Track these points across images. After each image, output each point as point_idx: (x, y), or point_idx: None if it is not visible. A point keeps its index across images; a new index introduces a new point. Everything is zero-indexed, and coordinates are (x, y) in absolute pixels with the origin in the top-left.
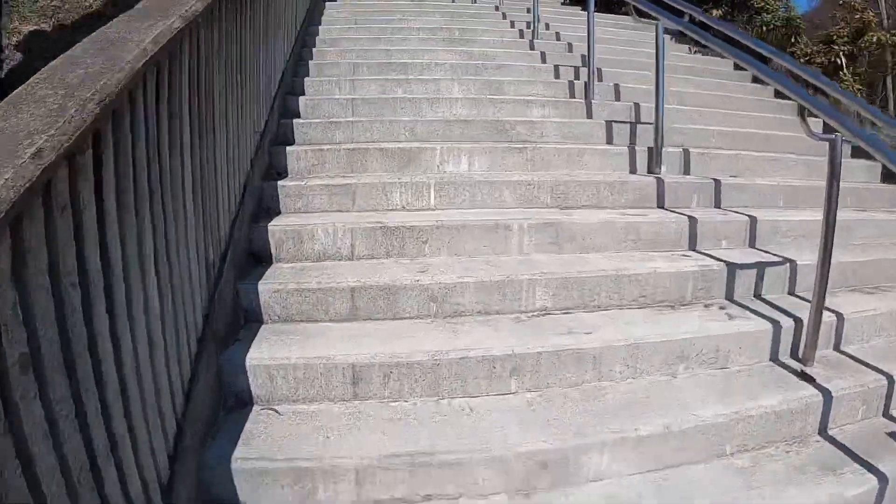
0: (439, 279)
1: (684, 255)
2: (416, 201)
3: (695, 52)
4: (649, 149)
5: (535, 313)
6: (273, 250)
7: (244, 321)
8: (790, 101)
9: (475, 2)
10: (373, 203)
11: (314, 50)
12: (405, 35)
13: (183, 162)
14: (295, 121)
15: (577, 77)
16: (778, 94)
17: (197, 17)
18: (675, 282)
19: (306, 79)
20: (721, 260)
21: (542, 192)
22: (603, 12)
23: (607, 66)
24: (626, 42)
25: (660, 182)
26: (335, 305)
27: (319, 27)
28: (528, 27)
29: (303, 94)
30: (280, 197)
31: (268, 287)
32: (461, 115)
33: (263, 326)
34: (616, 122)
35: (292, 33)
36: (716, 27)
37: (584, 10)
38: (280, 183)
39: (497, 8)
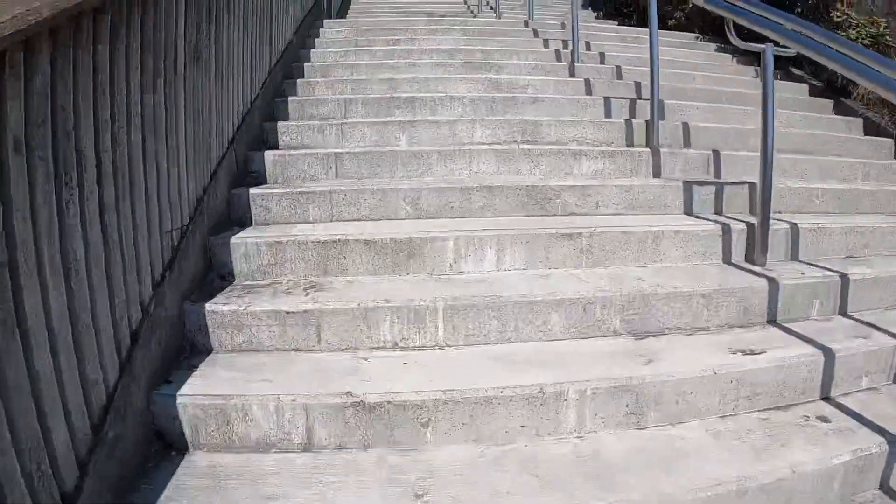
0: None
1: (821, 419)
2: (415, 335)
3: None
4: (748, 225)
5: None
6: (188, 434)
7: None
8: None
9: (500, 17)
10: (348, 339)
11: (299, 82)
12: (415, 59)
13: None
14: (252, 191)
15: (633, 113)
16: (869, 130)
17: None
18: (820, 482)
19: (281, 123)
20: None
21: (608, 314)
22: (631, 25)
23: (666, 95)
24: (683, 65)
25: (771, 284)
26: None
27: (311, 51)
28: (566, 47)
29: (275, 145)
30: (210, 329)
31: None
32: (485, 174)
33: None
34: (695, 182)
35: (266, 61)
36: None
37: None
38: (209, 307)
39: (527, 24)
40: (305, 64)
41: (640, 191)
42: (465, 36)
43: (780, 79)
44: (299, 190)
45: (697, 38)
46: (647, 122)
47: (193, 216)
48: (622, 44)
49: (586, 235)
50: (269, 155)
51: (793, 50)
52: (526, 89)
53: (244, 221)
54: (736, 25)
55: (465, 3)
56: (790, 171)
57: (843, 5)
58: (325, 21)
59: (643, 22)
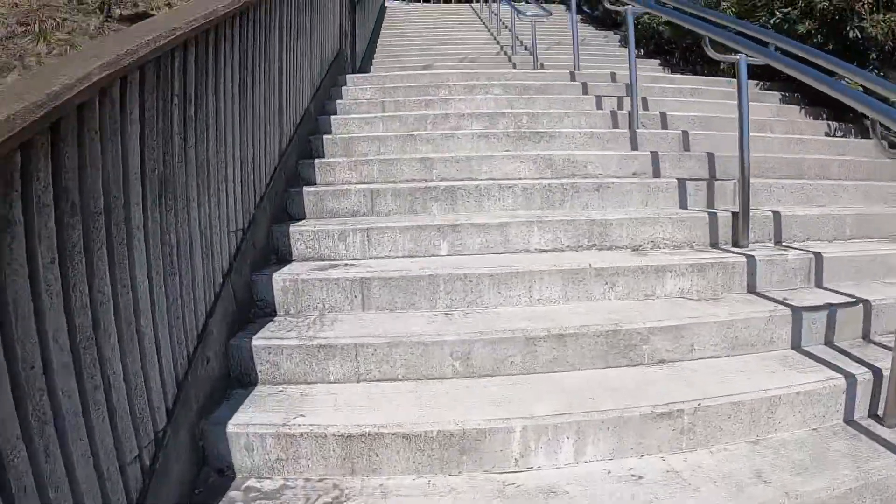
0: None
1: None
2: None
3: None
4: (874, 372)
5: None
6: None
7: None
8: None
9: (542, 66)
10: None
11: (317, 163)
12: (452, 126)
13: None
14: (256, 343)
15: (711, 199)
16: None
17: None
18: None
19: (295, 227)
20: None
21: None
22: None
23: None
24: (754, 124)
25: None
26: None
27: (332, 119)
28: (621, 106)
29: (286, 256)
30: None
31: None
32: (549, 303)
33: None
34: (805, 308)
35: (274, 148)
36: None
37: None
38: None
39: (573, 76)
40: (325, 137)
41: (742, 326)
42: (507, 94)
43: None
44: (316, 342)
45: (758, 84)
46: (733, 213)
47: (173, 411)
48: (680, 98)
49: (689, 413)
50: (278, 280)
51: None
52: (585, 168)
53: (246, 381)
54: None
55: (498, 42)
56: None
57: None
58: (347, 77)
59: (686, 61)
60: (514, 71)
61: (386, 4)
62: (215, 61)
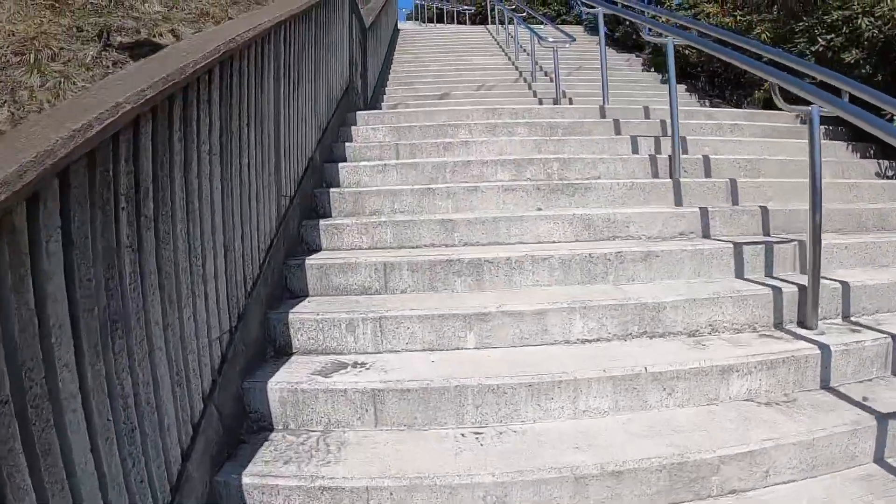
0: None
1: None
2: None
3: None
4: None
5: None
6: None
7: None
8: None
9: (571, 102)
10: None
11: (322, 225)
12: (475, 176)
13: None
14: (246, 480)
15: (770, 265)
16: None
17: None
18: None
19: (295, 314)
20: None
21: None
22: (698, 87)
23: (795, 224)
24: (801, 168)
25: None
26: None
27: (340, 167)
28: (658, 149)
29: (285, 349)
30: None
31: None
32: (597, 415)
33: None
34: (891, 415)
35: (270, 217)
36: None
37: (690, 90)
38: None
39: (602, 112)
40: (332, 191)
41: (824, 444)
42: (533, 134)
43: None
44: (319, 483)
45: (798, 117)
46: (799, 288)
47: None
48: (720, 136)
49: None
50: (274, 389)
51: None
52: (627, 228)
53: None
54: None
55: (516, 67)
56: None
57: None
58: (357, 115)
59: (712, 84)
60: (539, 107)
61: (399, 27)
62: (184, 132)
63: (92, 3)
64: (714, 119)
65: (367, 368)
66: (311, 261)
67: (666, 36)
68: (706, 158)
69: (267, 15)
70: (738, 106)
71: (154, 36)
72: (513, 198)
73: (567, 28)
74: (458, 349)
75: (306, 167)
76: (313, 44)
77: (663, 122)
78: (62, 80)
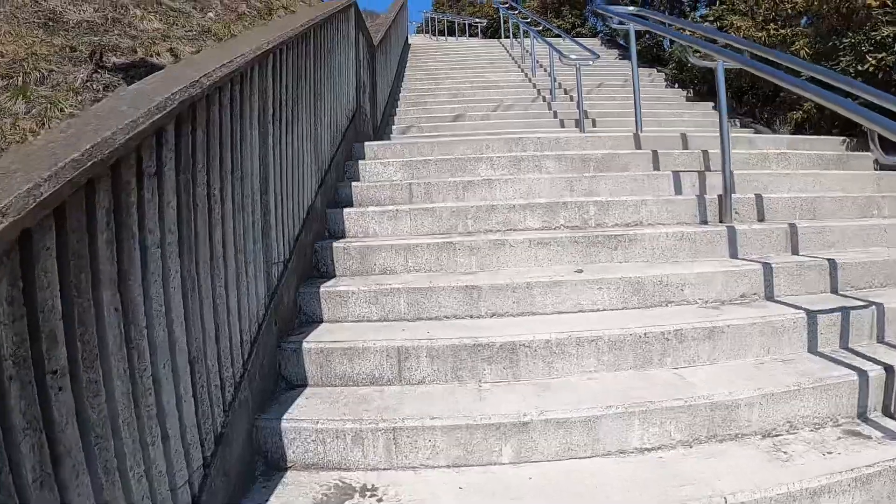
0: None
1: None
2: None
3: None
4: None
5: None
6: None
7: None
8: None
9: (595, 125)
10: None
11: (323, 293)
12: (501, 223)
13: None
14: None
15: (846, 338)
16: None
17: None
18: None
19: (289, 421)
20: None
21: None
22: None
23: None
24: (857, 207)
25: None
26: None
27: (344, 213)
28: (703, 187)
29: (278, 464)
30: None
31: None
32: None
33: None
34: None
35: (259, 285)
36: None
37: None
38: None
39: (637, 140)
40: (335, 246)
41: None
42: (563, 169)
43: None
44: None
45: (844, 143)
46: (885, 368)
47: None
48: (767, 169)
49: None
50: None
51: None
52: (682, 292)
53: None
54: None
55: (532, 84)
56: None
57: None
58: (366, 146)
59: (741, 102)
60: (567, 135)
61: (409, 41)
62: (116, 224)
63: (88, 21)
64: (757, 148)
65: (377, 497)
66: (310, 343)
67: (714, 59)
68: (759, 198)
69: (247, 44)
70: (769, 125)
71: (151, 55)
72: (546, 253)
73: (584, 41)
74: (490, 464)
75: (305, 217)
76: (312, 72)
77: (705, 154)
78: (49, 105)
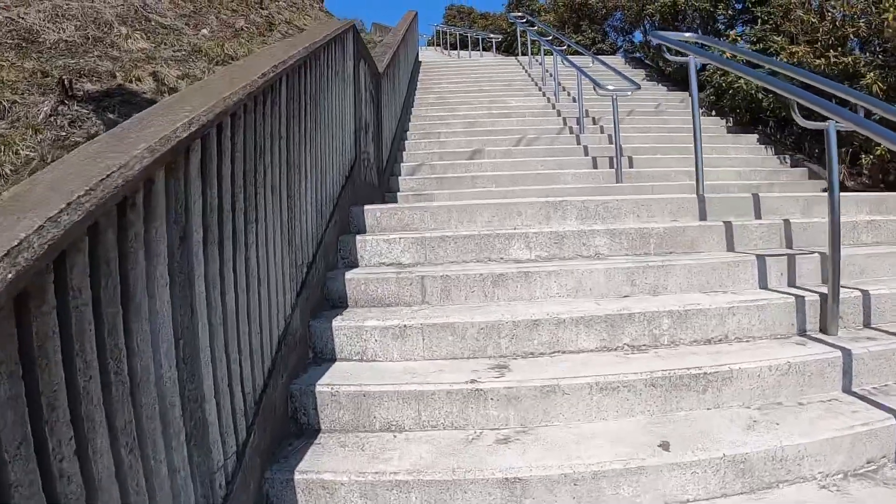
0: None
1: None
2: None
3: None
4: None
5: None
6: None
7: None
8: None
9: (632, 165)
10: None
11: (298, 481)
12: (546, 346)
13: None
14: None
15: None
16: None
17: None
18: None
19: None
20: None
21: None
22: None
23: None
24: None
25: None
26: None
27: (334, 326)
28: (791, 277)
29: None
30: None
31: None
32: None
33: None
34: None
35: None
36: None
37: (774, 150)
38: None
39: (703, 206)
40: (320, 390)
41: None
42: (619, 253)
43: None
44: None
45: None
46: None
47: None
48: (858, 245)
49: None
50: None
51: None
52: (799, 466)
53: None
54: None
55: (557, 110)
56: None
57: None
58: (365, 213)
59: (783, 132)
60: (609, 186)
61: (420, 58)
62: None
63: (66, 40)
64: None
65: None
66: None
67: (826, 119)
68: (865, 295)
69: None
70: (820, 161)
71: (130, 80)
72: (614, 405)
73: (606, 58)
74: None
75: (275, 354)
76: (286, 137)
77: (787, 223)
78: (2, 146)
